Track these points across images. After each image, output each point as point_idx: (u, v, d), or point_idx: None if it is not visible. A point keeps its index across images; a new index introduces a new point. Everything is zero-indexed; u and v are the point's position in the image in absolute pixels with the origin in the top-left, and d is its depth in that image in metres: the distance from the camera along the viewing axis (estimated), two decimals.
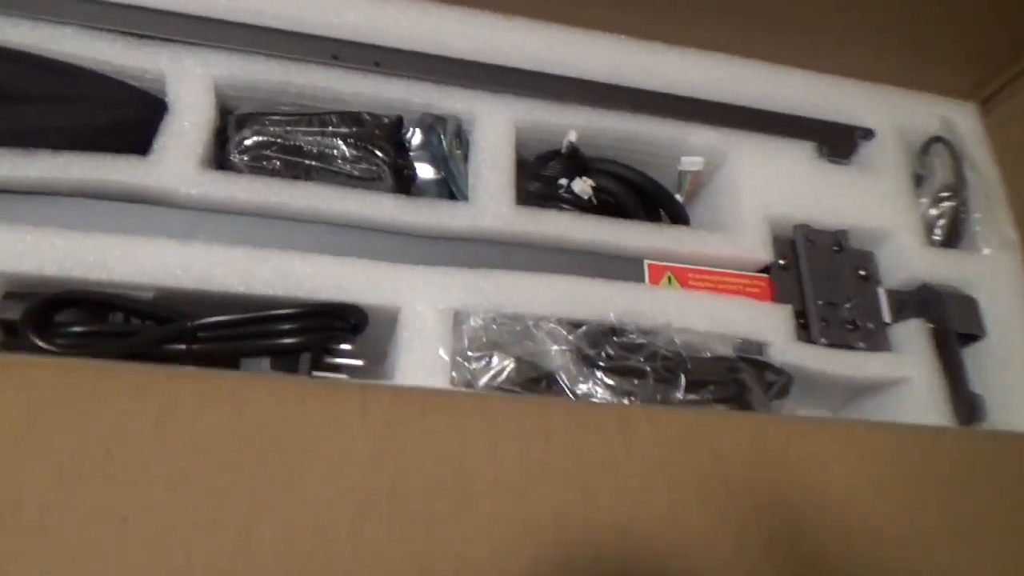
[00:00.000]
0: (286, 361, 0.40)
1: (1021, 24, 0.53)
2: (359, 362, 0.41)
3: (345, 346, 0.41)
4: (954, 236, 0.53)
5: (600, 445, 0.23)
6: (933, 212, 0.53)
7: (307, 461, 0.23)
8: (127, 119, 0.42)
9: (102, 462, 0.23)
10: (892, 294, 0.50)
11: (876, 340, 0.48)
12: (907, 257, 0.50)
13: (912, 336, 0.47)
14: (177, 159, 0.41)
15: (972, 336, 0.49)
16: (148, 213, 0.40)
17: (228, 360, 0.39)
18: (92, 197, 0.40)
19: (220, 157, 0.43)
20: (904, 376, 0.46)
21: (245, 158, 0.43)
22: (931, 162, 0.54)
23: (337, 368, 0.41)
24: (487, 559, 0.21)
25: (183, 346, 0.38)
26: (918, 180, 0.54)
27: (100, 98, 0.42)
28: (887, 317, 0.49)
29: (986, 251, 0.52)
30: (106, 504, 0.22)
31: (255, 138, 0.43)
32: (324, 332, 0.40)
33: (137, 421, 0.23)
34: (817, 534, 0.26)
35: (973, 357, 0.49)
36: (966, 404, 0.46)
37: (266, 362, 0.39)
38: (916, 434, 0.38)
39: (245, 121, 0.43)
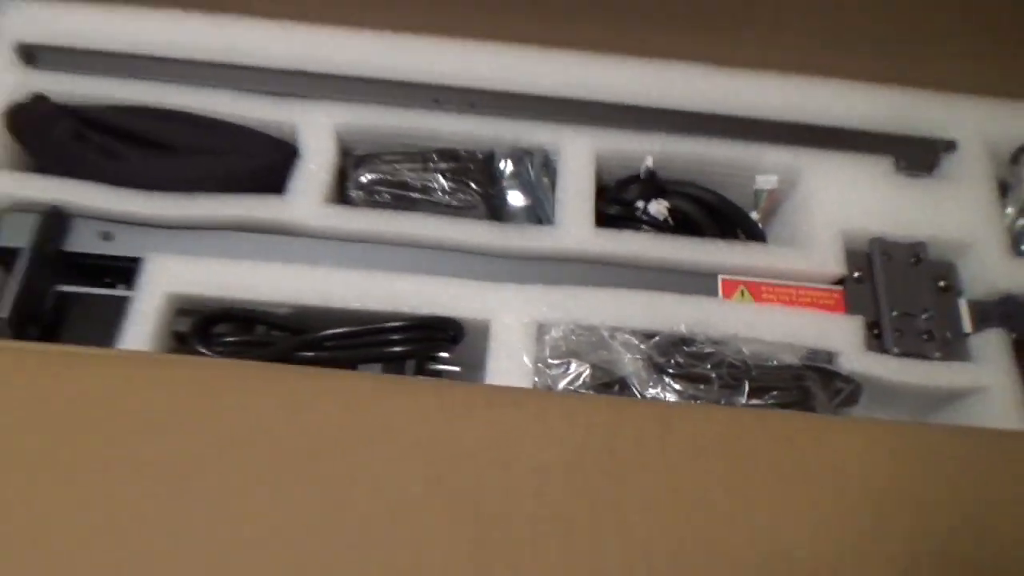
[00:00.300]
0: (395, 367, 0.47)
1: None
2: (456, 368, 0.48)
3: (444, 354, 0.47)
4: None
5: (635, 437, 0.28)
6: (1021, 222, 0.53)
7: (396, 438, 0.29)
8: (267, 165, 0.50)
9: (248, 438, 0.30)
10: (974, 305, 0.50)
11: (954, 350, 0.49)
12: (990, 267, 0.51)
13: (992, 346, 0.48)
14: (306, 197, 0.49)
15: None
16: (284, 243, 0.48)
17: (348, 365, 0.46)
18: (241, 230, 0.48)
19: (341, 193, 0.51)
20: (982, 385, 0.47)
21: (361, 193, 0.50)
22: (1021, 172, 0.54)
23: (438, 373, 0.48)
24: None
25: (312, 353, 0.45)
26: (1005, 190, 0.54)
27: (245, 148, 0.51)
28: (967, 327, 0.50)
29: None
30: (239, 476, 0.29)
31: (369, 176, 0.50)
32: (427, 342, 0.46)
33: (272, 408, 0.30)
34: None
35: None
36: None
37: (378, 367, 0.46)
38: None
39: (361, 162, 0.51)
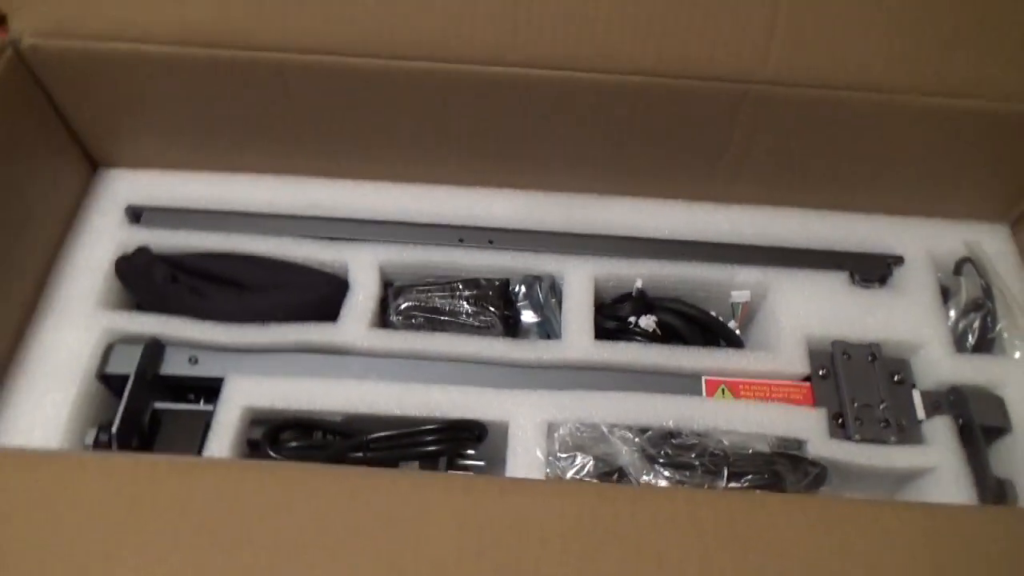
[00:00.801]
0: (430, 463, 0.56)
1: None
2: (482, 463, 0.57)
3: (471, 452, 0.56)
4: (984, 343, 0.61)
5: (612, 513, 0.36)
6: (963, 324, 0.62)
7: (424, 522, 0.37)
8: (323, 297, 0.61)
9: (313, 534, 0.39)
10: (926, 395, 0.58)
11: (909, 435, 0.56)
12: (938, 364, 0.59)
13: (940, 431, 0.56)
14: (355, 323, 0.59)
15: (1000, 429, 0.57)
16: (337, 361, 0.58)
17: (390, 463, 0.55)
18: (302, 352, 0.59)
19: (383, 318, 0.61)
20: (932, 465, 0.54)
21: (400, 318, 0.60)
22: (961, 280, 0.63)
23: (466, 468, 0.57)
24: None
25: (360, 453, 0.54)
26: (947, 297, 0.63)
27: (305, 284, 0.62)
28: (921, 415, 0.57)
29: (1016, 355, 0.60)
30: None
31: (406, 303, 0.61)
32: (455, 442, 0.55)
33: (330, 501, 0.39)
34: None
35: (1004, 449, 0.57)
36: (991, 489, 0.53)
37: (415, 464, 0.55)
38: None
39: (399, 292, 0.61)
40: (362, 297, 0.61)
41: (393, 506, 0.40)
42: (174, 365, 0.58)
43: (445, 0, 0.54)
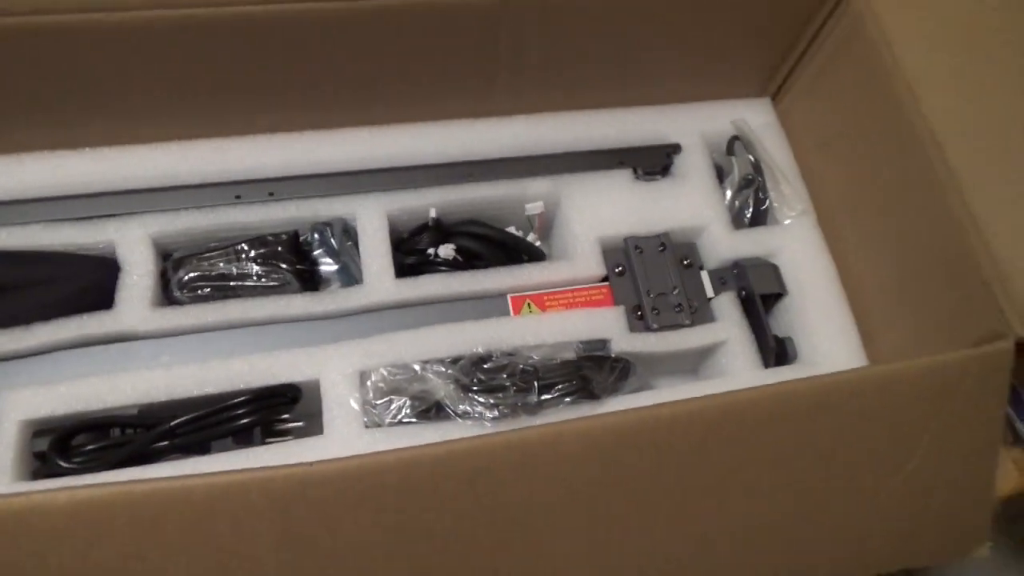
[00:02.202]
0: (244, 437, 0.54)
1: (789, 18, 0.63)
2: (300, 423, 0.55)
3: (286, 416, 0.54)
4: (760, 216, 0.65)
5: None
6: (738, 201, 0.66)
7: None
8: (91, 283, 0.55)
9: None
10: (713, 273, 0.62)
11: (701, 315, 0.60)
12: (719, 242, 0.63)
13: (726, 306, 0.60)
14: (133, 306, 0.55)
15: (778, 295, 0.62)
16: (121, 351, 0.54)
17: (201, 445, 0.53)
18: (79, 347, 0.54)
19: (166, 294, 0.57)
20: (721, 340, 0.59)
21: (184, 292, 0.56)
22: (732, 160, 0.67)
23: (285, 432, 0.55)
24: None
25: (166, 442, 0.51)
26: (723, 177, 0.67)
27: (68, 273, 0.56)
28: (710, 293, 0.62)
29: (786, 222, 0.65)
30: None
31: (188, 275, 0.56)
32: (268, 409, 0.53)
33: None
34: None
35: (783, 311, 0.62)
36: (772, 351, 0.59)
37: (229, 440, 0.53)
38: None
39: (179, 263, 0.57)
40: (136, 276, 0.56)
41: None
42: None
43: None
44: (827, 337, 0.60)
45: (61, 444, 0.50)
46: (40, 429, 0.51)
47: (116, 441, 0.52)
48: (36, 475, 0.51)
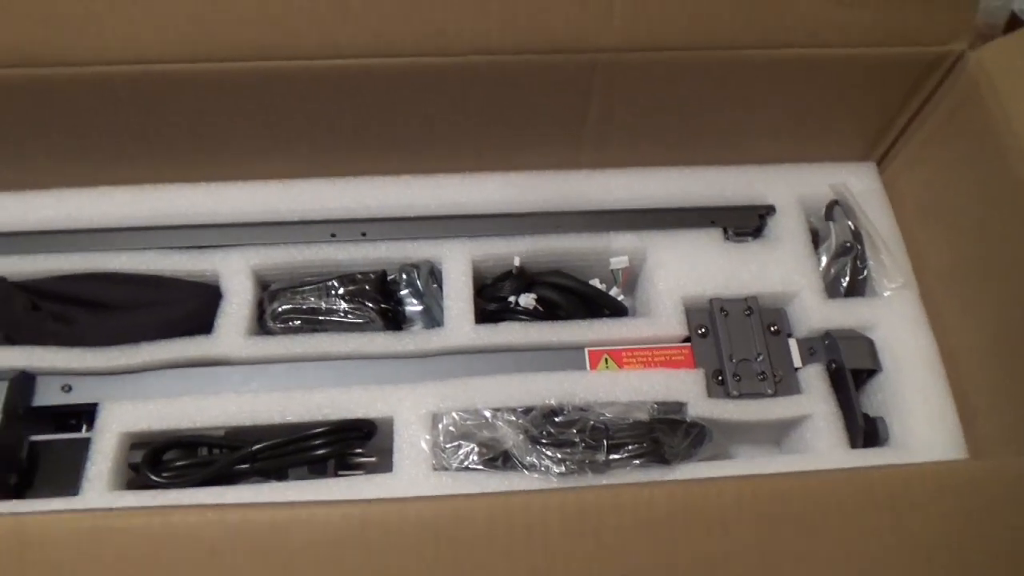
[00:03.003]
0: (319, 467, 0.55)
1: (898, 83, 0.60)
2: (373, 459, 0.57)
3: (360, 450, 0.56)
4: (857, 286, 0.63)
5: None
6: (834, 268, 0.63)
7: None
8: (195, 308, 0.59)
9: None
10: (802, 343, 0.60)
11: (786, 384, 0.58)
12: (811, 310, 0.60)
13: (814, 378, 0.58)
14: (230, 333, 0.58)
15: (871, 370, 0.59)
16: (214, 375, 0.57)
17: (279, 471, 0.55)
18: (178, 368, 0.57)
19: (260, 324, 0.60)
20: (806, 413, 0.56)
21: (277, 323, 0.59)
22: (831, 225, 0.64)
23: (357, 466, 0.57)
24: None
25: (247, 465, 0.54)
26: (819, 242, 0.64)
27: (175, 297, 0.60)
28: (797, 363, 0.59)
29: (886, 294, 0.61)
30: None
31: (282, 307, 0.59)
32: (343, 443, 0.55)
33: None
34: None
35: (877, 388, 0.59)
36: (860, 430, 0.55)
37: (304, 469, 0.55)
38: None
39: (274, 296, 0.60)
40: (236, 305, 0.59)
41: None
42: (47, 396, 0.57)
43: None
44: (923, 420, 0.56)
45: (154, 458, 0.54)
46: (138, 442, 0.55)
47: (202, 460, 0.55)
48: (130, 485, 0.54)
